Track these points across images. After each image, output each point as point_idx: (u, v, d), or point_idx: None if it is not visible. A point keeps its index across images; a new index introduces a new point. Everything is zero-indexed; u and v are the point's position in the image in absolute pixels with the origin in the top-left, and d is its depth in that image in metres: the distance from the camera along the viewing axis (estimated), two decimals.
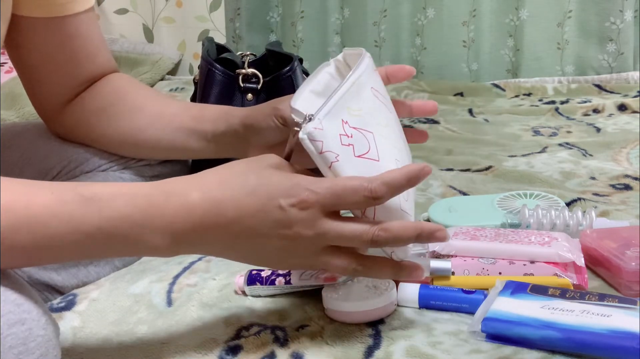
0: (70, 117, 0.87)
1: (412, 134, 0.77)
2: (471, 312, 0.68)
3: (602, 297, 0.65)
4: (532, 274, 0.73)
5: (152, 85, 2.09)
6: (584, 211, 0.87)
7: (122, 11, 2.25)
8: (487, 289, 0.70)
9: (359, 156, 0.60)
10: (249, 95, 0.98)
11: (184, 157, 0.90)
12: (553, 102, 1.70)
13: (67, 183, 0.59)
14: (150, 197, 0.57)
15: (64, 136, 0.89)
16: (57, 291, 0.79)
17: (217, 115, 0.82)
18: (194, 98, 1.07)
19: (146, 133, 0.84)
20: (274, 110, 0.76)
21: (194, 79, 1.07)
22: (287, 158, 0.63)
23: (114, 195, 0.57)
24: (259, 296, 0.75)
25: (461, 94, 1.84)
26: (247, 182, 0.58)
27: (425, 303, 0.70)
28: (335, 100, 0.61)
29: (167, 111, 0.85)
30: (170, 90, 2.04)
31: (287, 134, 0.66)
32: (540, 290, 0.67)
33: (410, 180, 0.58)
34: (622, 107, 1.59)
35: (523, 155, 1.27)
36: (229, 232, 0.58)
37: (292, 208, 0.57)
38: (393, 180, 0.57)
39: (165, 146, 0.84)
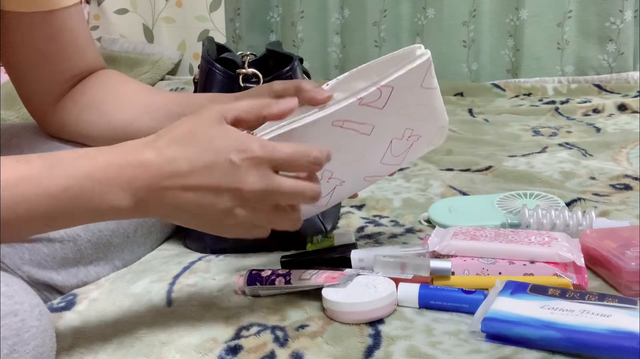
0: (61, 114, 0.86)
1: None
2: (471, 312, 0.68)
3: (602, 297, 0.65)
4: (532, 274, 0.73)
5: (152, 85, 2.09)
6: (584, 211, 0.87)
7: (122, 11, 2.24)
8: (487, 289, 0.70)
9: None
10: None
11: None
12: (553, 102, 1.70)
13: (30, 154, 0.61)
14: (110, 156, 0.59)
15: (56, 134, 0.89)
16: (57, 291, 0.79)
17: (204, 100, 0.82)
18: None
19: (137, 124, 0.84)
20: (268, 87, 0.77)
21: (194, 79, 1.07)
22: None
23: (77, 156, 0.59)
24: (259, 296, 0.75)
25: (461, 94, 1.85)
26: (200, 138, 0.60)
27: (425, 303, 0.70)
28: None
29: (156, 100, 0.85)
30: (171, 90, 2.04)
31: None
32: (540, 290, 0.67)
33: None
34: (622, 107, 1.59)
35: (523, 155, 1.27)
36: (183, 188, 0.59)
37: (243, 162, 0.59)
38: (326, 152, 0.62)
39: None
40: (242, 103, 0.64)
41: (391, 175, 0.80)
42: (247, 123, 0.64)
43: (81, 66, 0.86)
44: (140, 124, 0.84)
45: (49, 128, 0.89)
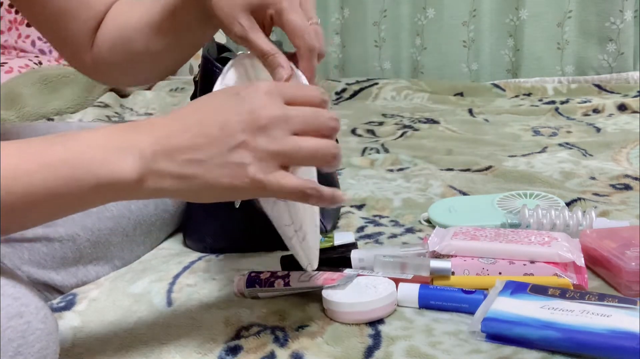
0: (97, 61, 0.85)
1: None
2: (471, 312, 0.68)
3: (602, 297, 0.65)
4: (532, 274, 0.73)
5: (152, 86, 2.09)
6: (584, 211, 0.87)
7: None
8: (487, 289, 0.70)
9: None
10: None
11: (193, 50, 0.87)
12: (553, 102, 1.70)
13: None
14: (114, 127, 0.58)
15: (105, 82, 0.92)
16: (57, 290, 0.79)
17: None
18: (194, 98, 1.07)
19: (150, 48, 0.81)
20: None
21: (194, 78, 1.07)
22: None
23: (79, 132, 0.57)
24: (258, 298, 0.75)
25: (461, 94, 1.85)
26: (199, 109, 0.59)
27: (425, 303, 0.70)
28: None
29: (154, 19, 0.81)
30: (170, 90, 2.04)
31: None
32: (540, 290, 0.67)
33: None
34: (622, 107, 1.59)
35: (523, 155, 1.27)
36: (193, 136, 0.56)
37: (250, 93, 0.57)
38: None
39: (166, 54, 0.82)
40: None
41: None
42: None
43: (102, 10, 0.84)
44: (152, 45, 0.81)
45: (93, 76, 0.88)
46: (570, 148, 1.30)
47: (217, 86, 0.68)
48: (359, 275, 0.73)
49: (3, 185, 0.53)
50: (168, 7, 0.78)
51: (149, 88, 2.06)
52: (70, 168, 0.54)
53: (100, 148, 0.55)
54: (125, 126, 0.58)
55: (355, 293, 0.69)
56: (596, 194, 1.04)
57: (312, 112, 0.58)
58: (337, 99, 1.90)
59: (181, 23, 0.78)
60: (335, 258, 0.80)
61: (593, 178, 1.11)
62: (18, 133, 0.92)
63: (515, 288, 0.68)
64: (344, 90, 1.92)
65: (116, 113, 1.82)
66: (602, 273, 0.76)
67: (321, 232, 0.89)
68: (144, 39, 0.81)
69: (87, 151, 0.55)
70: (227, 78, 0.69)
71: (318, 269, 0.75)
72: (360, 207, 1.04)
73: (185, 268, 0.83)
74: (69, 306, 0.76)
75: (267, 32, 0.71)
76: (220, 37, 2.15)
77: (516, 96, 1.81)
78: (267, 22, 0.71)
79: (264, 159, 0.55)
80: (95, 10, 0.83)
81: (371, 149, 1.38)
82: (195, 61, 2.17)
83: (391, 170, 1.23)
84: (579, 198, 1.00)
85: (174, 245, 0.94)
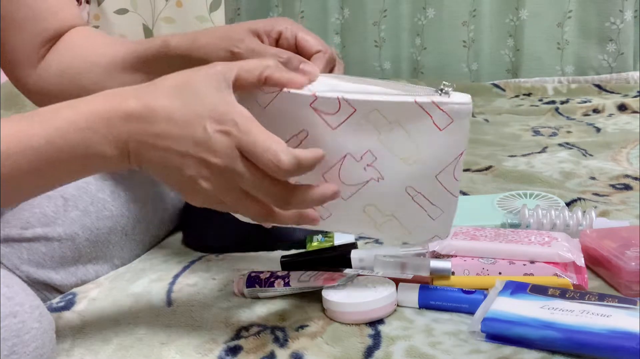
0: (39, 82, 0.82)
1: None
2: (471, 312, 0.68)
3: (602, 297, 0.65)
4: (532, 274, 0.73)
5: None
6: (584, 211, 0.87)
7: (122, 11, 2.24)
8: (487, 289, 0.70)
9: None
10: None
11: None
12: (553, 102, 1.70)
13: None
14: (92, 104, 0.57)
15: (37, 103, 0.84)
16: (56, 290, 0.79)
17: (159, 46, 0.75)
18: None
19: (107, 83, 0.78)
20: (227, 51, 0.69)
21: None
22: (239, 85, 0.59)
23: (57, 107, 0.57)
24: (258, 298, 0.75)
25: None
26: (189, 93, 0.56)
27: (425, 303, 0.70)
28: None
29: (119, 53, 0.79)
30: None
31: None
32: (540, 290, 0.67)
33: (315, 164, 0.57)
34: (622, 107, 1.59)
35: (523, 155, 1.27)
36: (155, 147, 0.56)
37: (215, 133, 0.55)
38: (304, 159, 0.56)
39: None
40: (243, 63, 0.59)
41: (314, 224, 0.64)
42: (245, 83, 0.59)
43: (56, 27, 0.81)
44: (109, 83, 0.77)
45: (31, 97, 0.85)
46: (570, 148, 1.30)
47: None
48: (359, 275, 0.73)
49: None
50: (139, 54, 0.76)
51: None
52: (55, 150, 0.56)
53: (81, 130, 0.56)
54: (108, 107, 0.57)
55: (355, 293, 0.69)
56: (596, 194, 1.04)
57: (258, 180, 0.56)
58: None
59: (156, 70, 0.73)
60: (335, 258, 0.80)
61: (593, 178, 1.11)
62: None
63: (515, 288, 0.68)
64: None
65: None
66: (602, 273, 0.76)
67: (321, 232, 0.89)
68: (98, 76, 0.78)
69: (69, 133, 0.56)
70: None
71: (317, 269, 0.75)
72: None
73: (185, 268, 0.83)
74: (68, 305, 0.76)
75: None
76: None
77: (516, 96, 1.80)
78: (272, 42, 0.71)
79: (209, 196, 0.57)
80: (45, 26, 0.80)
81: None
82: None
83: None
84: (579, 198, 1.00)
85: (173, 244, 0.94)
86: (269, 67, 0.59)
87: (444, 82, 0.61)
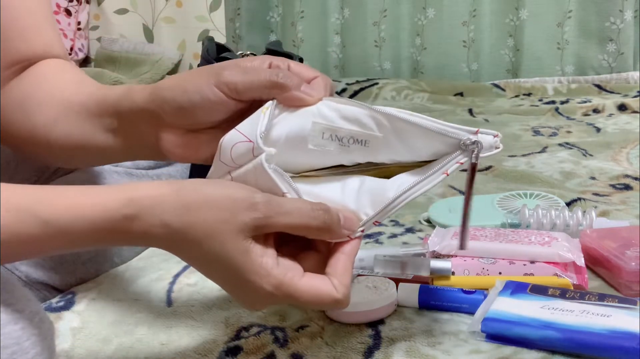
0: (3, 111, 0.73)
1: None
2: (471, 312, 0.68)
3: (602, 297, 0.65)
4: (532, 274, 0.73)
5: None
6: (584, 211, 0.87)
7: (122, 11, 2.25)
8: (487, 289, 0.70)
9: None
10: None
11: (101, 159, 0.75)
12: (553, 102, 1.70)
13: (22, 197, 0.52)
14: (113, 223, 0.52)
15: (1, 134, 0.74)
16: (56, 289, 0.79)
17: (120, 94, 0.65)
18: None
19: (56, 128, 0.69)
20: (215, 77, 0.58)
21: None
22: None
23: (74, 219, 0.52)
24: None
25: (461, 94, 1.84)
26: (219, 253, 0.52)
27: (425, 303, 0.70)
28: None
29: (77, 98, 0.69)
30: None
31: (232, 111, 0.59)
32: (540, 290, 0.67)
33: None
34: (622, 107, 1.59)
35: (523, 155, 1.27)
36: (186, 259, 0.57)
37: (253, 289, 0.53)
38: (347, 280, 0.54)
39: (77, 143, 0.69)
40: (286, 222, 0.53)
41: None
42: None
43: (23, 52, 0.73)
44: (59, 130, 0.69)
45: None
46: (570, 148, 1.30)
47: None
48: (359, 275, 0.73)
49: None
50: (98, 98, 0.67)
51: None
52: (72, 250, 0.56)
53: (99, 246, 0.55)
54: (124, 227, 0.53)
55: (355, 293, 0.69)
56: (596, 194, 1.04)
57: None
58: None
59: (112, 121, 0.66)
60: None
61: (593, 178, 1.11)
62: None
63: (515, 288, 0.68)
64: (344, 90, 1.91)
65: None
66: (602, 273, 0.76)
67: None
68: (55, 115, 0.69)
69: (84, 249, 0.56)
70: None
71: None
72: None
73: (186, 267, 0.83)
74: (68, 305, 0.76)
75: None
76: (219, 37, 2.16)
77: (516, 96, 1.80)
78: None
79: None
80: (13, 48, 0.72)
81: None
82: (195, 61, 2.17)
83: None
84: (579, 198, 1.00)
85: None
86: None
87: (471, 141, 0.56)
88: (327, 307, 0.54)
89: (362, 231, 0.56)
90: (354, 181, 0.58)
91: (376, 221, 0.57)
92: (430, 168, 0.57)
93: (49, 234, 0.52)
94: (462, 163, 0.55)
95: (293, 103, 0.57)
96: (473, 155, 0.55)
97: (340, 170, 0.60)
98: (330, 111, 0.57)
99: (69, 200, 0.53)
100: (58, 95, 0.70)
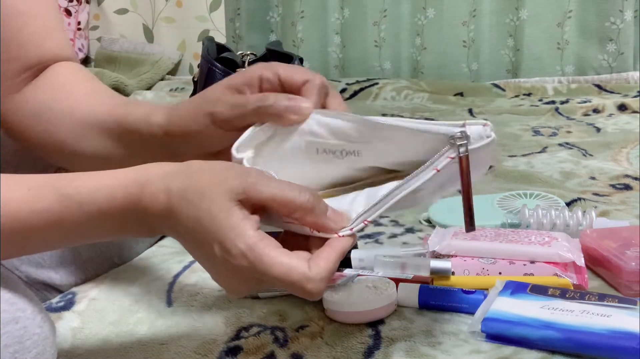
0: (15, 115, 0.75)
1: None
2: (471, 312, 0.68)
3: (602, 297, 0.65)
4: (532, 274, 0.73)
5: (151, 85, 2.09)
6: (584, 211, 0.87)
7: (122, 11, 2.25)
8: (487, 289, 0.70)
9: None
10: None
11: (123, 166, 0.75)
12: (553, 102, 1.70)
13: (44, 176, 0.56)
14: (128, 190, 0.55)
15: (12, 135, 0.77)
16: (56, 289, 0.79)
17: (139, 118, 0.68)
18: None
19: (80, 143, 0.72)
20: (210, 117, 0.62)
21: (193, 78, 1.07)
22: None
23: (93, 190, 0.55)
24: (258, 298, 0.75)
25: (461, 94, 1.84)
26: (206, 210, 0.53)
27: (425, 303, 0.70)
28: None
29: (98, 116, 0.71)
30: (170, 90, 2.04)
31: (228, 140, 0.61)
32: (540, 290, 0.67)
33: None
34: (622, 107, 1.59)
35: (523, 155, 1.27)
36: (182, 239, 0.56)
37: (223, 258, 0.53)
38: (327, 271, 0.53)
39: (100, 156, 0.72)
40: (272, 191, 0.53)
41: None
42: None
43: (38, 56, 0.74)
44: (81, 145, 0.72)
45: (5, 127, 0.77)
46: (570, 148, 1.30)
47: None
48: (359, 275, 0.73)
49: (13, 235, 0.54)
50: (119, 119, 0.69)
51: (149, 88, 2.06)
52: (87, 232, 0.56)
53: (116, 221, 0.55)
54: (137, 194, 0.54)
55: (355, 293, 0.69)
56: (596, 194, 1.04)
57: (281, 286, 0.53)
58: None
59: (132, 141, 0.69)
60: None
61: (593, 178, 1.11)
62: None
63: (515, 288, 0.68)
64: (344, 90, 1.91)
65: None
66: (602, 273, 0.76)
67: None
68: (75, 134, 0.71)
69: (102, 221, 0.55)
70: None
71: None
72: None
73: (186, 268, 0.83)
74: (68, 305, 0.76)
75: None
76: (219, 37, 2.16)
77: (516, 96, 1.80)
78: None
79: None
80: (26, 53, 0.74)
81: None
82: (195, 61, 2.17)
83: None
84: (579, 198, 1.00)
85: (174, 243, 0.93)
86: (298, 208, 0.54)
87: (459, 135, 0.55)
88: (295, 288, 0.51)
89: (352, 229, 0.55)
90: (361, 195, 0.59)
91: (366, 221, 0.56)
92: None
93: (69, 209, 0.54)
94: (452, 158, 0.55)
95: (284, 125, 0.59)
96: (461, 148, 0.54)
97: (356, 184, 0.61)
98: (320, 127, 0.59)
99: (90, 176, 0.56)
100: (78, 109, 0.72)
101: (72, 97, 0.73)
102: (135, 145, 0.69)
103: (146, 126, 0.67)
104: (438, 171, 0.55)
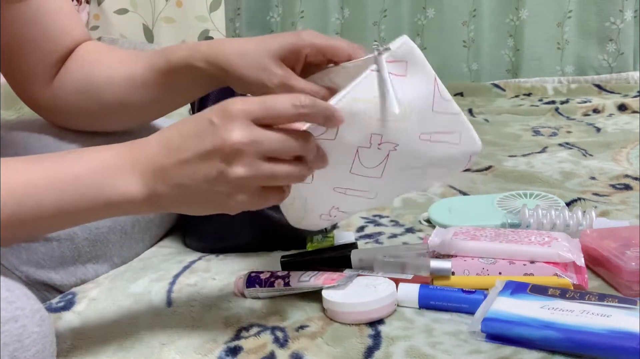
0: (53, 99, 0.83)
1: None
2: (471, 312, 0.68)
3: (602, 297, 0.65)
4: (532, 274, 0.73)
5: None
6: (584, 211, 0.87)
7: (122, 11, 2.24)
8: (487, 289, 0.70)
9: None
10: (249, 95, 0.97)
11: (170, 109, 0.86)
12: (553, 102, 1.70)
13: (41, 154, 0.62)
14: (119, 146, 0.61)
15: (52, 120, 0.86)
16: (56, 289, 0.79)
17: (177, 60, 0.76)
18: None
19: (127, 97, 0.80)
20: (263, 72, 0.72)
21: None
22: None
23: (86, 150, 0.61)
24: (258, 298, 0.75)
25: (461, 94, 1.85)
26: (196, 116, 0.59)
27: (425, 303, 0.70)
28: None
29: (137, 74, 0.80)
30: None
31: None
32: (540, 290, 0.67)
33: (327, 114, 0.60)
34: (622, 107, 1.59)
35: (523, 155, 1.27)
36: (180, 162, 0.58)
37: (221, 120, 0.57)
38: (318, 101, 0.60)
39: (151, 101, 0.81)
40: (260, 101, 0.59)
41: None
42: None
43: (68, 45, 0.82)
44: (131, 98, 0.80)
45: (43, 113, 0.86)
46: (570, 148, 1.30)
47: None
48: (359, 275, 0.73)
49: (14, 200, 0.56)
50: (158, 66, 0.78)
51: None
52: (81, 188, 0.58)
53: (108, 167, 0.59)
54: (130, 145, 0.60)
55: (355, 293, 0.69)
56: (596, 194, 1.04)
57: (278, 138, 0.58)
58: None
59: (175, 82, 0.78)
60: (335, 258, 0.80)
61: (593, 178, 1.11)
62: (10, 129, 0.90)
63: (515, 288, 0.68)
64: None
65: None
66: (602, 273, 0.76)
67: (321, 232, 0.89)
68: (120, 91, 0.80)
69: (97, 171, 0.59)
70: None
71: (317, 269, 0.75)
72: None
73: (186, 268, 0.83)
74: (68, 306, 0.76)
75: (298, 73, 0.73)
76: (219, 37, 2.15)
77: (516, 96, 1.81)
78: (300, 64, 0.73)
79: (243, 187, 0.58)
80: (58, 44, 0.81)
81: None
82: None
83: None
84: (579, 198, 1.00)
85: (174, 243, 0.94)
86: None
87: (374, 42, 0.67)
88: (291, 105, 0.58)
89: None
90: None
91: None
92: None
93: (65, 162, 0.59)
94: (377, 53, 0.65)
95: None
96: (377, 52, 0.65)
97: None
98: None
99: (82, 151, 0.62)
100: (117, 73, 0.80)
101: (107, 66, 0.81)
102: (182, 82, 0.77)
103: (191, 61, 0.75)
104: (372, 71, 0.64)
